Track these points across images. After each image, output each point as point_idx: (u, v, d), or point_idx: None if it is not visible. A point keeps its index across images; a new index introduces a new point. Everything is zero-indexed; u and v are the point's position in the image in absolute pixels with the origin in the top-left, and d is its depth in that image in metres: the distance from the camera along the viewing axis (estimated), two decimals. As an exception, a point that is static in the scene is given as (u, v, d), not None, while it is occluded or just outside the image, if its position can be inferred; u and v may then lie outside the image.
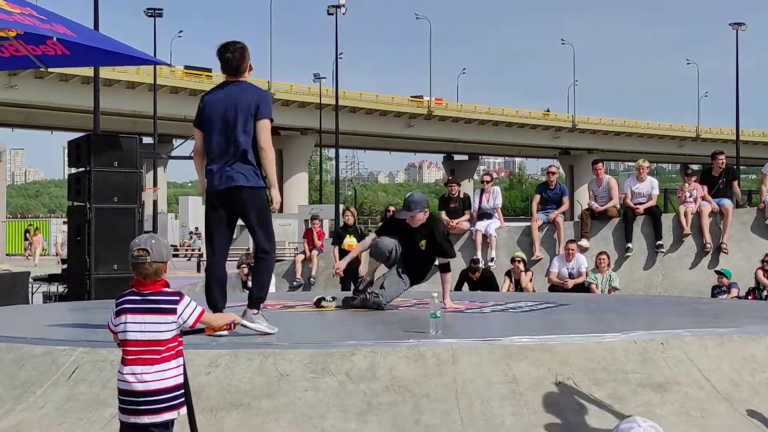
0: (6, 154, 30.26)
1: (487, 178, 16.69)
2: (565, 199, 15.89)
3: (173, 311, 4.45)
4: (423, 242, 9.17)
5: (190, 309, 4.48)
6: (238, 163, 6.84)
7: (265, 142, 6.87)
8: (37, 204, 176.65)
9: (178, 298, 4.48)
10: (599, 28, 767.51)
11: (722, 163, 15.46)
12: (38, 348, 6.70)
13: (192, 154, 7.35)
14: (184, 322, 4.47)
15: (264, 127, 6.88)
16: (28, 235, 49.21)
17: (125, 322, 4.48)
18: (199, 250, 56.10)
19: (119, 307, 4.52)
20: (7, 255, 39.77)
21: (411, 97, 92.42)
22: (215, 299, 6.98)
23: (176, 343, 4.50)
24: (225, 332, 4.92)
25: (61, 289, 15.06)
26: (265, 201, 7.02)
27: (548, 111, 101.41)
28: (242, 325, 6.72)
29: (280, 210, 7.80)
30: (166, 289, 4.52)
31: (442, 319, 7.12)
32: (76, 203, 13.56)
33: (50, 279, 15.87)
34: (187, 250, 56.65)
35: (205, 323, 4.58)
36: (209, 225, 7.10)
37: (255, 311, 6.99)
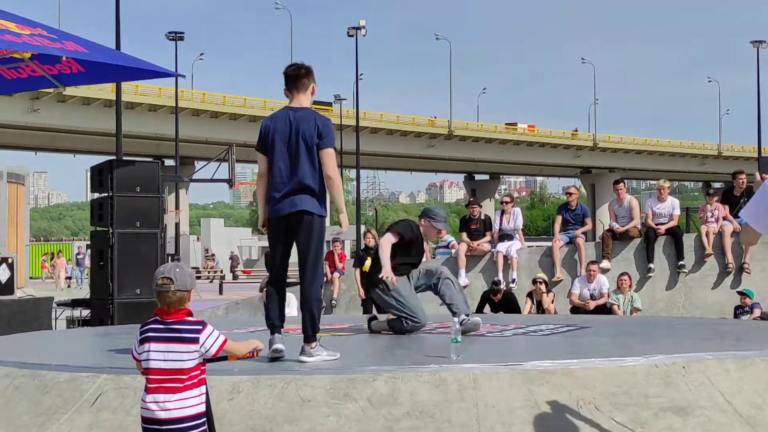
0: (29, 177, 30.49)
1: (507, 199, 16.73)
2: (588, 219, 15.92)
3: (195, 340, 4.49)
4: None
5: (213, 338, 4.52)
6: (302, 193, 6.87)
7: (332, 170, 6.91)
8: (60, 227, 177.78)
9: (200, 327, 4.52)
10: (620, 47, 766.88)
11: (743, 182, 15.44)
12: (62, 375, 6.74)
13: (255, 179, 7.41)
14: (207, 351, 4.51)
15: (329, 156, 6.90)
16: (56, 260, 49.36)
17: (148, 351, 4.53)
18: (221, 272, 56.33)
19: (143, 336, 4.57)
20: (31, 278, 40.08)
21: (507, 123, 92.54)
22: (272, 315, 7.07)
23: (199, 372, 4.54)
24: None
25: (84, 313, 15.11)
26: (324, 231, 7.03)
27: (576, 131, 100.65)
28: (300, 361, 6.80)
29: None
30: (190, 318, 4.56)
31: (463, 344, 7.13)
32: (98, 228, 13.66)
33: (73, 304, 15.93)
34: (209, 272, 56.80)
35: (228, 352, 4.61)
36: (272, 248, 7.19)
37: (313, 344, 6.93)
